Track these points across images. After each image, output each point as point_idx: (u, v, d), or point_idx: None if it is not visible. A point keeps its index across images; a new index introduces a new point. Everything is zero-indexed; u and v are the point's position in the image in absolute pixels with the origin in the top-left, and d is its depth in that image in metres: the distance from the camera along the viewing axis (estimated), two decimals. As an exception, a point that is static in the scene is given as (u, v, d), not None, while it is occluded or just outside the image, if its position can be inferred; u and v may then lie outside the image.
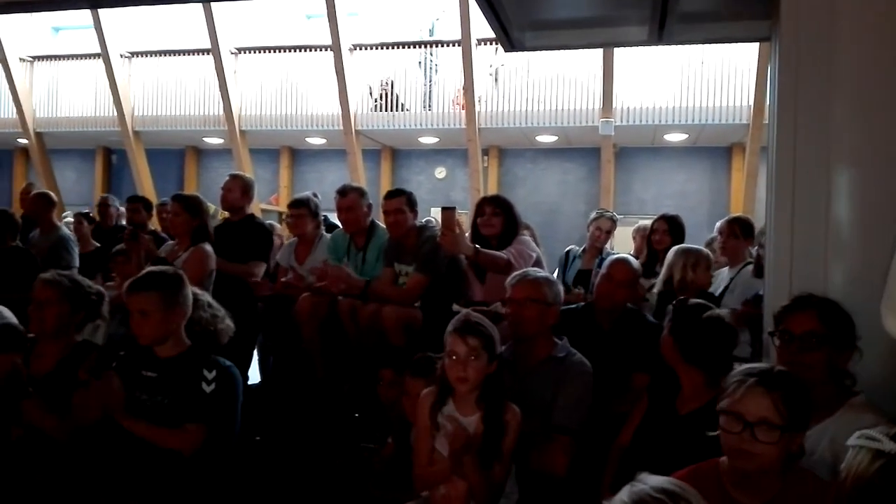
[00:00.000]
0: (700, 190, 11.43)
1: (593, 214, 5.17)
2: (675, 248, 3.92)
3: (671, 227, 4.57)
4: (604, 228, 5.01)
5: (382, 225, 4.19)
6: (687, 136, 10.94)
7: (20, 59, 12.54)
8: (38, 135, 12.69)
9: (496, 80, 11.08)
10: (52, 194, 5.58)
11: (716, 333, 2.35)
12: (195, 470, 2.41)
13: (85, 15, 11.79)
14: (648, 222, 5.15)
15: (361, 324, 3.84)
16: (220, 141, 12.46)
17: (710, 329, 2.35)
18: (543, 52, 9.16)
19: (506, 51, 3.64)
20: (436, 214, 6.42)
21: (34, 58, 12.87)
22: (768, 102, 2.79)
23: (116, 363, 2.57)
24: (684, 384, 2.36)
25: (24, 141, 12.96)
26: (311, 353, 4.11)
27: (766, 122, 4.43)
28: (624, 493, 1.31)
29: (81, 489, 2.45)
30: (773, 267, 2.45)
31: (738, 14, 3.02)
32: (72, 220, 6.23)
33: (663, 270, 3.85)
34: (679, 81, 10.33)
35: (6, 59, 12.13)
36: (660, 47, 7.79)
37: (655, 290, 3.89)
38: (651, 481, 1.32)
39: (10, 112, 12.62)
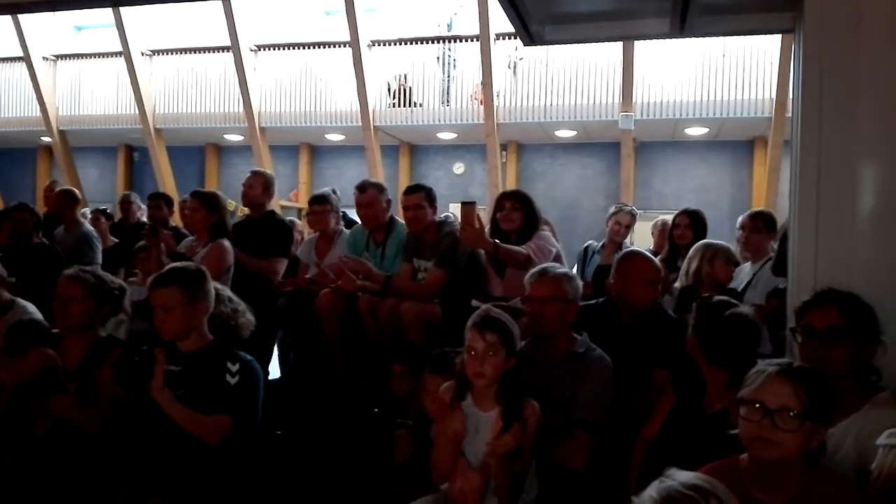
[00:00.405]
0: (721, 184, 11.29)
1: (612, 209, 5.14)
2: (698, 243, 3.90)
3: (693, 222, 4.53)
4: (623, 223, 4.98)
5: (401, 220, 4.19)
6: (708, 129, 10.82)
7: (43, 57, 12.68)
8: (62, 133, 12.84)
9: (514, 73, 11.02)
10: (76, 191, 5.65)
11: (738, 331, 2.32)
12: (219, 462, 2.43)
13: (107, 14, 11.92)
14: (667, 218, 5.11)
15: (380, 320, 3.85)
16: (241, 138, 12.54)
17: (732, 327, 2.32)
18: (563, 45, 9.11)
19: (525, 45, 3.61)
20: (454, 210, 6.42)
21: (57, 56, 13.00)
22: (791, 95, 2.76)
23: (139, 357, 2.60)
24: (708, 383, 2.34)
25: (47, 139, 13.12)
26: (330, 348, 4.13)
27: (789, 115, 4.38)
28: (652, 490, 1.31)
29: (107, 483, 2.49)
30: (797, 262, 2.42)
31: (760, 6, 2.98)
32: (89, 216, 6.29)
33: (684, 265, 3.83)
34: (700, 74, 10.19)
35: (30, 58, 12.28)
36: (680, 40, 7.70)
37: (677, 284, 3.86)
38: (680, 477, 1.31)
39: (34, 110, 12.77)
